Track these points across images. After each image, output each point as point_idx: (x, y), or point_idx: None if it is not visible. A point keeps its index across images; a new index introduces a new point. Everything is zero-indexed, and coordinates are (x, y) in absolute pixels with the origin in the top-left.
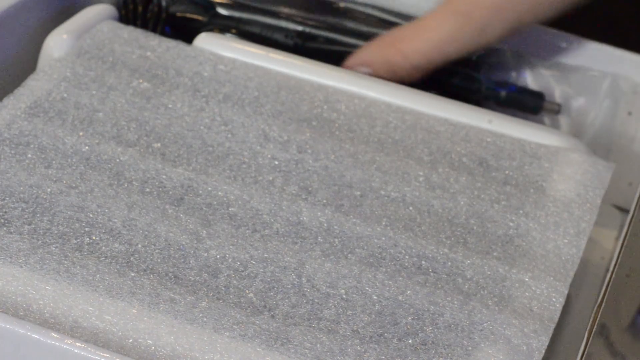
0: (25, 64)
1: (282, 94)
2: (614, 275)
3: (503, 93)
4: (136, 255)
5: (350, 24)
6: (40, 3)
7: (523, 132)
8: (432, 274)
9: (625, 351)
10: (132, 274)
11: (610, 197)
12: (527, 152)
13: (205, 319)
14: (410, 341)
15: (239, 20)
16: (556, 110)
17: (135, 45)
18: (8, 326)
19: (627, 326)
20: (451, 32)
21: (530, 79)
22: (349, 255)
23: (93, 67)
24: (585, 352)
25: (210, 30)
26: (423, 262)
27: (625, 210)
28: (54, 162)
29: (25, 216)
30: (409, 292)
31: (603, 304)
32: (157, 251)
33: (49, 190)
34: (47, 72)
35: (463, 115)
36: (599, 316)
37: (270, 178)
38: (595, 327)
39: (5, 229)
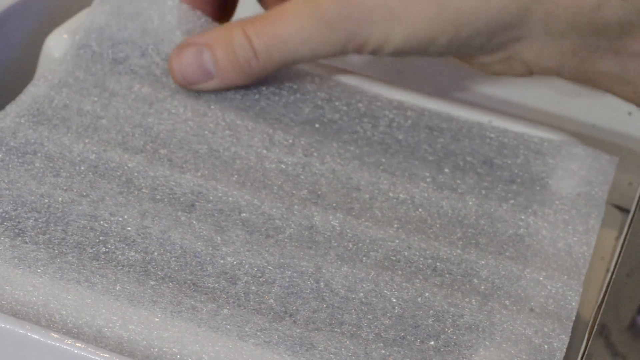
0: (26, 64)
1: (284, 94)
2: (614, 275)
3: None
4: (153, 264)
5: None
6: (40, 3)
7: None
8: (447, 275)
9: (625, 351)
10: (152, 282)
11: (610, 197)
12: (530, 148)
13: (228, 327)
14: (432, 343)
15: None
16: None
17: None
18: (8, 326)
19: (627, 326)
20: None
21: None
22: (364, 258)
23: (93, 72)
24: (586, 352)
25: None
26: (438, 264)
27: (625, 210)
28: (62, 170)
29: (40, 226)
30: (427, 294)
31: (603, 304)
32: (173, 259)
33: (60, 199)
34: (47, 77)
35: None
36: (599, 316)
37: (279, 182)
38: (595, 327)
39: (20, 239)
